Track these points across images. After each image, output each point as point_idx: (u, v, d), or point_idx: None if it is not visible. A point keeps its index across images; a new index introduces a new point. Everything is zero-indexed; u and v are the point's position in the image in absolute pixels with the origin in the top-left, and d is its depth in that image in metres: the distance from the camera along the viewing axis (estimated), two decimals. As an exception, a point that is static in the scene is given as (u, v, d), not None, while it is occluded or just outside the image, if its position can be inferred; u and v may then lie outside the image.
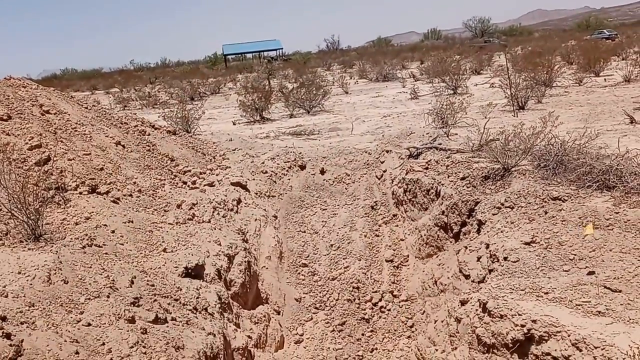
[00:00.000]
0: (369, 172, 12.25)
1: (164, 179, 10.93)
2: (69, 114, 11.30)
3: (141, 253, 8.11)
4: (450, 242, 9.40)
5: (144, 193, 10.12)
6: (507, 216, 8.04)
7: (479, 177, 9.44)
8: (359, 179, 12.18)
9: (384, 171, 12.09)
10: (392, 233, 11.09)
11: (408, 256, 10.57)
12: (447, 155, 10.80)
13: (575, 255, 6.78)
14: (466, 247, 8.41)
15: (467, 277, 7.86)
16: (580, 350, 4.96)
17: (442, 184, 10.01)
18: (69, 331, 5.70)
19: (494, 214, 8.31)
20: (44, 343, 5.36)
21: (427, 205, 10.41)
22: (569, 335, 5.14)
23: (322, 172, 12.37)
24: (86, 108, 12.19)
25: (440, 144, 11.48)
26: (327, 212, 11.62)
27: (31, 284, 6.18)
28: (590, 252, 6.77)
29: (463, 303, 6.59)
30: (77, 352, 5.45)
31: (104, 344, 5.74)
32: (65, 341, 5.52)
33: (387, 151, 12.38)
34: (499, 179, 9.14)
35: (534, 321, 5.45)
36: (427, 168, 10.82)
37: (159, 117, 16.43)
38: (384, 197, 11.73)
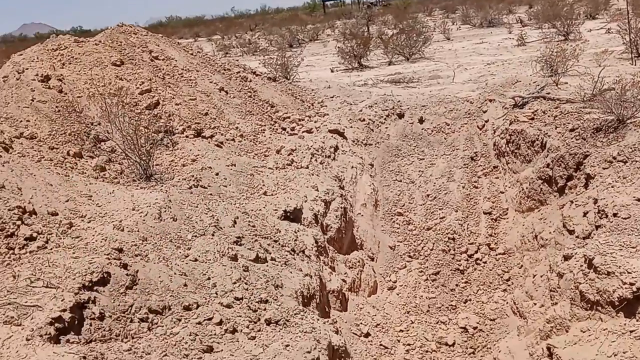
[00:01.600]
0: (469, 122, 11.91)
1: (264, 125, 11.19)
2: (176, 60, 11.73)
3: (243, 195, 8.43)
4: (554, 196, 9.05)
5: (246, 138, 10.44)
6: (619, 171, 7.60)
7: (589, 129, 8.93)
8: (459, 128, 11.88)
9: (486, 121, 11.71)
10: (492, 185, 10.81)
11: (507, 209, 10.30)
12: (555, 106, 10.27)
13: (694, 214, 6.34)
14: (572, 202, 8.07)
15: (571, 232, 7.57)
16: (694, 313, 4.70)
17: (549, 136, 9.57)
18: (177, 265, 6.09)
19: (604, 168, 7.88)
20: (156, 274, 5.76)
21: (531, 158, 10.02)
22: (682, 297, 4.88)
23: (421, 121, 12.16)
24: (191, 54, 12.60)
25: (548, 94, 10.92)
26: (425, 162, 11.48)
27: (144, 220, 6.61)
28: None
29: (567, 258, 6.38)
30: (185, 285, 5.82)
31: (209, 278, 6.09)
32: (175, 274, 5.91)
33: (490, 100, 11.95)
34: (611, 131, 8.61)
35: (644, 280, 5.20)
36: (532, 118, 10.36)
37: (259, 64, 16.69)
38: (485, 148, 11.41)
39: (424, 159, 11.54)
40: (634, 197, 6.71)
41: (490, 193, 10.67)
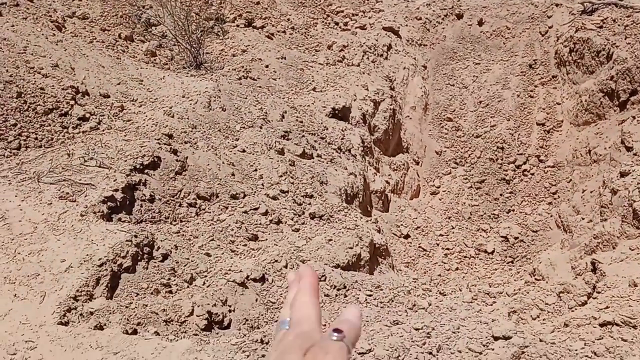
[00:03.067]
0: (532, 27, 11.27)
1: (317, 18, 10.84)
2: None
3: (292, 90, 8.32)
4: (614, 111, 8.65)
5: (297, 31, 10.16)
6: (690, 88, 7.15)
7: (662, 41, 8.35)
8: (520, 34, 11.27)
9: (550, 27, 11.05)
10: (548, 95, 10.38)
11: (562, 122, 9.94)
12: (627, 14, 9.57)
13: None
14: (633, 117, 7.71)
15: (629, 149, 7.28)
16: None
17: (617, 46, 9.01)
18: (226, 154, 6.14)
19: (673, 84, 7.43)
20: (205, 162, 5.84)
21: (594, 69, 9.50)
22: None
23: (480, 23, 11.57)
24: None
25: (621, 1, 10.17)
26: (480, 67, 11.03)
27: (194, 108, 6.62)
28: None
29: (623, 175, 6.17)
30: (232, 174, 5.90)
31: (256, 169, 6.15)
32: (223, 163, 5.98)
33: (557, 5, 11.21)
34: (687, 45, 8.03)
35: None
36: (601, 27, 9.72)
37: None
38: (545, 55, 10.85)
39: (479, 63, 11.08)
40: None
41: (546, 104, 10.26)
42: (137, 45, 7.99)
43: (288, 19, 10.27)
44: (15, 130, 5.48)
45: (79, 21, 7.68)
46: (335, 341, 0.79)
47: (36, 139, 5.53)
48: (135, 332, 3.64)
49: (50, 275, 3.90)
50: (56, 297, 3.72)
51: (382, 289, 5.06)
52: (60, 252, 4.10)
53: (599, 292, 4.84)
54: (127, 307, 3.83)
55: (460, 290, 6.68)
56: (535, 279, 6.35)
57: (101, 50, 7.23)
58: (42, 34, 6.65)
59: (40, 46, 6.40)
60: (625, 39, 8.99)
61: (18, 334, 3.53)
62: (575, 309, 4.71)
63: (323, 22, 10.86)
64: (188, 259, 4.61)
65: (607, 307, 4.45)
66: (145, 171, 5.24)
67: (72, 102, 5.94)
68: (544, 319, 4.82)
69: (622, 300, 4.53)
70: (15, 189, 4.86)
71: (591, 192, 7.28)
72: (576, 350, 3.75)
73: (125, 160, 5.22)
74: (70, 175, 4.99)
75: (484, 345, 3.86)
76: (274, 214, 5.55)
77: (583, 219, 7.02)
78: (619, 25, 9.43)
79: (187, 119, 6.39)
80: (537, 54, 10.87)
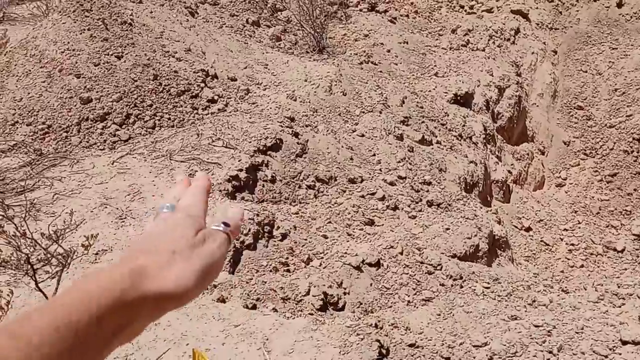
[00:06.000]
0: (680, 8, 10.31)
1: (442, 2, 10.58)
2: None
3: (413, 75, 8.22)
4: None
5: (420, 15, 10.00)
6: None
7: None
8: (666, 15, 10.35)
9: (701, 8, 10.05)
10: (696, 83, 9.47)
11: None
12: None
13: None
14: None
15: None
16: None
17: None
18: (345, 139, 6.21)
19: None
20: (325, 146, 5.94)
21: None
22: None
23: (620, 4, 10.73)
24: None
25: None
26: (617, 52, 10.26)
27: (315, 92, 6.74)
28: None
29: None
30: (351, 158, 5.95)
31: (374, 154, 6.16)
32: (342, 147, 6.05)
33: None
34: None
35: None
36: None
37: None
38: (695, 39, 9.89)
39: (616, 48, 10.30)
40: None
41: (693, 92, 9.37)
42: (264, 30, 8.24)
43: (412, 3, 10.12)
44: (151, 111, 5.88)
45: (210, 7, 8.04)
46: (221, 231, 0.82)
47: (169, 119, 5.90)
48: (254, 307, 3.80)
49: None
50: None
51: (500, 282, 4.91)
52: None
53: None
54: (247, 282, 4.01)
55: (585, 289, 6.30)
56: (672, 282, 5.86)
57: (230, 35, 7.54)
58: (177, 20, 7.04)
59: (175, 31, 6.80)
60: None
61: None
62: None
63: (448, 5, 10.59)
64: (306, 239, 4.74)
65: None
66: (268, 153, 5.43)
67: (203, 84, 6.26)
68: (680, 327, 4.44)
69: None
70: (150, 165, 5.22)
71: None
72: None
73: (250, 142, 5.43)
74: (199, 154, 5.28)
75: (610, 349, 3.64)
76: (390, 199, 5.54)
77: None
78: None
79: (309, 102, 6.52)
80: (685, 38, 9.93)
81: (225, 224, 0.84)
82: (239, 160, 5.13)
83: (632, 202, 8.77)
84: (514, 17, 10.34)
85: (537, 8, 10.82)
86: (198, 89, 6.21)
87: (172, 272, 0.74)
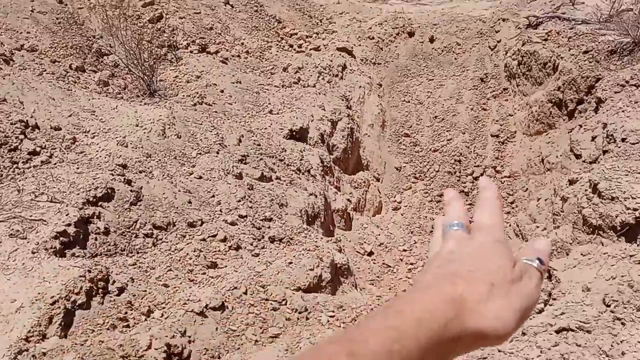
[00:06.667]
0: (481, 42, 11.56)
1: (271, 41, 10.91)
2: (179, -29, 11.30)
3: (248, 113, 8.34)
4: (563, 120, 8.90)
5: (252, 54, 10.21)
6: (631, 95, 7.43)
7: (603, 52, 8.66)
8: (470, 49, 11.54)
9: (498, 41, 11.35)
10: (501, 107, 10.63)
11: (515, 132, 10.18)
12: (570, 26, 9.91)
13: None
14: (581, 126, 7.95)
15: (578, 156, 7.50)
16: (697, 240, 4.71)
17: (562, 58, 9.30)
18: (182, 182, 6.11)
19: (616, 92, 7.69)
20: (161, 191, 5.79)
21: (542, 80, 9.79)
22: (686, 223, 4.87)
23: (432, 40, 11.81)
24: (196, -35, 12.11)
25: (563, 13, 10.52)
26: (434, 83, 11.25)
27: (148, 137, 6.58)
28: None
29: (572, 182, 6.34)
30: (189, 202, 5.86)
31: (214, 196, 6.12)
32: (180, 191, 5.94)
33: (504, 20, 11.54)
34: (627, 54, 8.34)
35: (649, 206, 5.18)
36: (546, 39, 10.03)
37: (266, -23, 16.07)
38: (496, 69, 11.13)
39: (433, 79, 11.29)
40: (645, 122, 6.59)
41: (499, 115, 10.50)
42: (89, 76, 7.91)
43: (242, 43, 10.32)
44: (-38, 169, 5.35)
45: (27, 53, 7.57)
46: (535, 268, 0.76)
47: (-15, 176, 5.42)
48: (91, 370, 3.56)
49: (0, 317, 3.80)
50: (6, 340, 3.63)
51: (344, 309, 5.07)
52: (11, 293, 4.01)
53: (554, 299, 4.94)
54: (82, 344, 3.75)
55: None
56: (496, 289, 6.45)
57: (51, 82, 7.14)
58: (-11, 69, 6.54)
59: (-13, 81, 6.30)
60: (569, 50, 9.29)
61: (-32, 380, 3.43)
62: (533, 317, 4.79)
63: (277, 45, 10.94)
64: (145, 291, 4.55)
65: (562, 314, 4.54)
66: (99, 203, 5.17)
67: (22, 136, 5.84)
68: (503, 329, 4.88)
69: (576, 306, 4.64)
70: (-37, 229, 4.73)
71: (545, 200, 7.45)
72: (532, 358, 3.82)
73: (78, 194, 5.15)
74: (21, 211, 4.90)
75: None
76: (232, 240, 5.52)
77: (538, 227, 7.17)
78: (562, 37, 9.75)
79: (142, 148, 6.35)
80: (487, 68, 11.14)
81: (540, 261, 0.77)
82: (66, 215, 4.82)
83: (459, 218, 9.54)
84: (340, 54, 10.94)
85: (360, 45, 11.56)
86: (17, 141, 5.78)
87: (491, 308, 0.68)
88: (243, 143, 7.34)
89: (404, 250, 8.74)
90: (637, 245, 5.15)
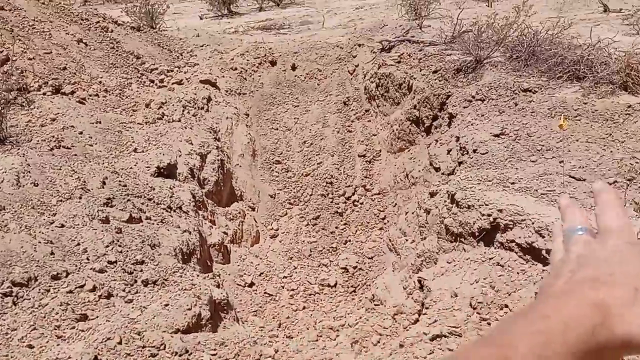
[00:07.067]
0: (341, 67, 12.03)
1: (131, 78, 10.63)
2: (25, 10, 10.73)
3: (111, 154, 8.04)
4: (422, 136, 9.47)
5: (111, 93, 9.87)
6: (478, 109, 8.07)
7: (451, 70, 9.36)
8: (331, 74, 11.97)
9: (356, 66, 11.89)
10: (365, 128, 11.09)
11: (380, 151, 10.65)
12: (419, 48, 10.61)
13: (543, 146, 6.90)
14: (437, 141, 8.49)
15: (437, 169, 7.99)
16: (543, 237, 5.17)
17: (414, 78, 9.92)
18: (42, 233, 5.73)
19: (464, 107, 8.32)
20: (18, 245, 5.40)
21: (400, 100, 10.36)
22: (532, 223, 5.34)
23: (294, 67, 12.11)
24: (43, 4, 11.56)
25: (412, 37, 11.25)
26: (299, 109, 11.51)
27: (0, 188, 6.12)
28: (557, 142, 6.89)
29: (432, 195, 6.74)
30: (52, 253, 5.51)
31: (79, 244, 5.80)
32: (40, 242, 5.57)
33: (359, 45, 12.11)
34: (471, 71, 9.07)
35: (500, 210, 5.62)
36: (399, 62, 10.66)
37: (121, 12, 15.67)
38: (357, 92, 11.62)
39: (298, 105, 11.56)
40: (491, 133, 7.18)
41: (364, 136, 10.95)
42: None
43: (100, 82, 9.95)
44: None
45: None
46: None
47: None
48: None
49: None
50: None
51: (226, 345, 4.99)
52: None
53: (427, 308, 5.19)
54: None
55: (307, 329, 6.79)
56: (375, 304, 6.66)
57: None
58: None
59: None
60: (420, 70, 9.94)
61: None
62: (409, 328, 5.01)
63: (138, 81, 10.68)
64: (7, 355, 4.20)
65: (435, 321, 4.79)
66: (-54, 266, 4.72)
67: None
68: (383, 344, 5.05)
69: (447, 312, 4.91)
70: None
71: (412, 213, 7.84)
72: (410, 368, 3.98)
73: None
74: None
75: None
76: (102, 288, 5.26)
77: (407, 240, 7.53)
78: (413, 59, 10.41)
79: (-6, 200, 5.89)
80: (349, 92, 11.61)
81: None
82: None
83: (335, 239, 9.78)
84: (204, 87, 10.89)
85: (223, 77, 11.58)
86: None
87: (638, 314, 0.64)
88: (108, 185, 7.05)
89: (285, 277, 8.77)
90: (495, 248, 5.56)
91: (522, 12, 9.04)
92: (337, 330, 5.97)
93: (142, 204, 7.15)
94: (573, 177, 6.02)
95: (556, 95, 7.73)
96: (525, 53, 8.80)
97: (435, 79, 9.44)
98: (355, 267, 8.97)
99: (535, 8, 10.53)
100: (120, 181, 7.25)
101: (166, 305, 5.15)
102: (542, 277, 4.82)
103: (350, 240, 9.73)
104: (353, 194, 10.27)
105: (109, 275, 5.46)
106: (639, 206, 3.37)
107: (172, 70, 11.34)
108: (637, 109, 7.09)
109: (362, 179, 10.45)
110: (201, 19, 18.96)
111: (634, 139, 6.67)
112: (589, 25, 10.69)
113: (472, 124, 7.67)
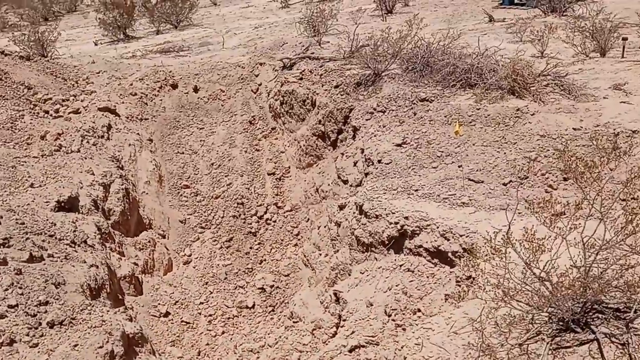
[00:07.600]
0: (244, 87, 12.03)
1: (23, 110, 10.11)
2: None
3: (6, 191, 7.60)
4: (329, 150, 9.62)
5: (1, 127, 9.35)
6: (379, 120, 8.31)
7: (351, 84, 9.59)
8: (235, 94, 11.94)
9: (260, 85, 11.93)
10: (272, 146, 11.13)
11: (289, 167, 10.72)
12: (320, 65, 10.81)
13: (442, 152, 7.20)
14: (343, 154, 8.65)
15: (345, 182, 8.14)
16: (448, 240, 5.38)
17: (317, 94, 10.08)
18: None
19: (367, 119, 8.54)
20: None
21: (304, 116, 10.49)
22: (437, 227, 5.54)
23: (196, 90, 11.98)
24: None
25: (312, 53, 11.45)
26: (205, 131, 11.38)
27: None
28: (456, 148, 7.22)
29: (341, 207, 6.85)
30: (-56, 303, 5.12)
31: (-26, 290, 5.42)
32: None
33: (261, 64, 12.17)
34: (370, 84, 9.34)
35: (406, 218, 5.80)
36: (301, 78, 10.80)
37: (9, 41, 14.90)
38: (262, 111, 11.65)
39: (203, 128, 11.43)
40: (393, 143, 7.41)
41: (272, 154, 10.98)
42: None
43: (-12, 116, 9.39)
44: None
45: None
46: None
47: None
48: None
49: None
50: None
51: (143, 380, 4.82)
52: None
53: (344, 320, 5.26)
54: None
55: (227, 354, 6.69)
56: (294, 322, 6.66)
57: None
58: None
59: None
60: (322, 86, 10.12)
61: None
62: (328, 342, 5.05)
63: (31, 112, 10.17)
64: None
65: (352, 332, 4.85)
66: None
67: None
68: (304, 360, 5.06)
69: (363, 322, 4.99)
70: None
71: (324, 227, 7.93)
72: (331, 382, 4.00)
73: None
74: None
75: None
76: (4, 334, 4.93)
77: (321, 254, 7.60)
78: (315, 75, 10.58)
79: None
80: (254, 111, 11.62)
81: None
82: None
83: (251, 259, 9.71)
84: (103, 115, 10.55)
85: (123, 103, 11.27)
86: None
87: None
88: (4, 224, 6.64)
89: (201, 303, 8.61)
90: (404, 254, 5.73)
91: (414, 25, 9.43)
92: (257, 352, 5.92)
93: (43, 241, 6.79)
94: (472, 180, 6.32)
95: (451, 103, 8.11)
96: (420, 64, 9.17)
97: (338, 94, 9.64)
98: (272, 286, 8.94)
99: (426, 21, 11.02)
100: (17, 219, 6.86)
101: (75, 345, 4.91)
102: (449, 279, 5.02)
103: (265, 260, 9.70)
104: (265, 212, 10.25)
105: (10, 320, 5.14)
106: (529, 205, 3.60)
107: (67, 99, 10.88)
108: (525, 111, 7.56)
109: (273, 197, 10.46)
110: (96, 44, 18.38)
111: (524, 140, 7.10)
112: (476, 34, 11.33)
113: (375, 135, 7.89)
